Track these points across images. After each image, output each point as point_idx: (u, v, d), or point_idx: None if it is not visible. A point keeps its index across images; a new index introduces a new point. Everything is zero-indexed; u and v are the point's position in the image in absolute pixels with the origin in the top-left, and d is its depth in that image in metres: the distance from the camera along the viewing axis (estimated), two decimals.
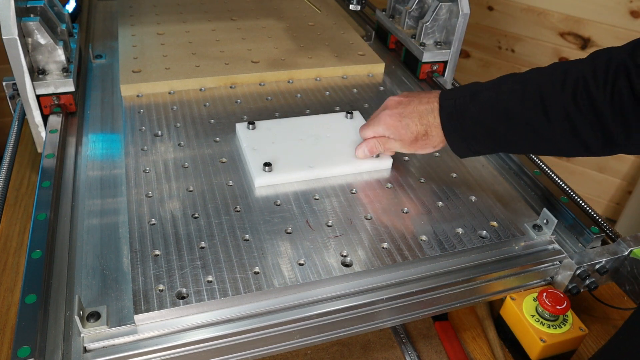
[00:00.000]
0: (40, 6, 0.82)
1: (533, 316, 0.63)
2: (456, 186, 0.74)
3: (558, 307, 0.61)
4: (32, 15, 0.81)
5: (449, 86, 1.00)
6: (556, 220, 0.67)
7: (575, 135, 0.59)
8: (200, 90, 0.93)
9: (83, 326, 0.51)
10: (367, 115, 0.87)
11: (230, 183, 0.71)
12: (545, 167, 0.80)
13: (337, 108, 0.91)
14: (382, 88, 0.99)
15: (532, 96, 0.60)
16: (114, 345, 0.52)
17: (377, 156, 0.76)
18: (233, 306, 0.56)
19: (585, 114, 0.57)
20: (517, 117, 0.61)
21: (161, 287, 0.55)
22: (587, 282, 0.66)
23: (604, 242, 0.70)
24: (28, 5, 0.82)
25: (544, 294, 0.62)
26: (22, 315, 0.51)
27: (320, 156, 0.75)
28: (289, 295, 0.57)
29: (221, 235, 0.63)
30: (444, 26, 1.01)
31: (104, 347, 0.52)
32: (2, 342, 0.63)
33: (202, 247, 0.61)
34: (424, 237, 0.65)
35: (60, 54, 0.81)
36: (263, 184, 0.71)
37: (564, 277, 0.67)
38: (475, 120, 0.64)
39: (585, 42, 1.70)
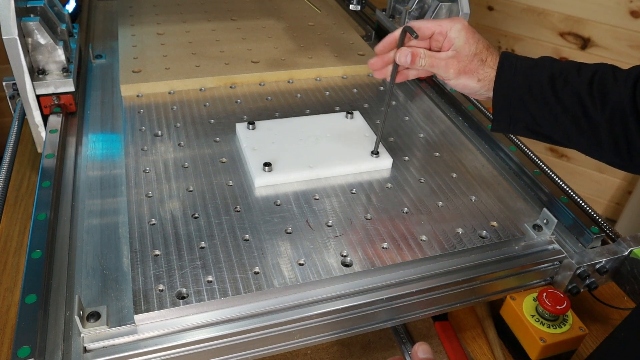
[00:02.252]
0: (40, 6, 0.82)
1: (533, 316, 0.63)
2: (456, 186, 0.74)
3: (558, 307, 0.61)
4: (32, 15, 0.81)
5: (449, 87, 0.99)
6: (556, 220, 0.67)
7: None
8: (200, 90, 0.93)
9: (83, 326, 0.51)
10: (367, 115, 0.87)
11: (230, 183, 0.71)
12: (545, 167, 0.80)
13: (337, 108, 0.91)
14: (382, 88, 0.99)
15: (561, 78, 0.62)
16: (114, 345, 0.52)
17: (377, 156, 0.76)
18: (233, 306, 0.56)
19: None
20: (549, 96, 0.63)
21: (161, 287, 0.55)
22: (587, 282, 0.66)
23: (604, 242, 0.70)
24: (28, 5, 0.82)
25: (544, 294, 0.62)
26: (22, 315, 0.51)
27: (320, 156, 0.75)
28: (289, 295, 0.57)
29: (221, 235, 0.63)
30: None
31: (104, 347, 0.51)
32: (2, 342, 0.63)
33: (202, 247, 0.61)
34: (424, 237, 0.65)
35: (60, 54, 0.81)
36: (263, 184, 0.71)
37: (564, 277, 0.67)
38: (525, 83, 0.64)
39: (585, 42, 1.70)
